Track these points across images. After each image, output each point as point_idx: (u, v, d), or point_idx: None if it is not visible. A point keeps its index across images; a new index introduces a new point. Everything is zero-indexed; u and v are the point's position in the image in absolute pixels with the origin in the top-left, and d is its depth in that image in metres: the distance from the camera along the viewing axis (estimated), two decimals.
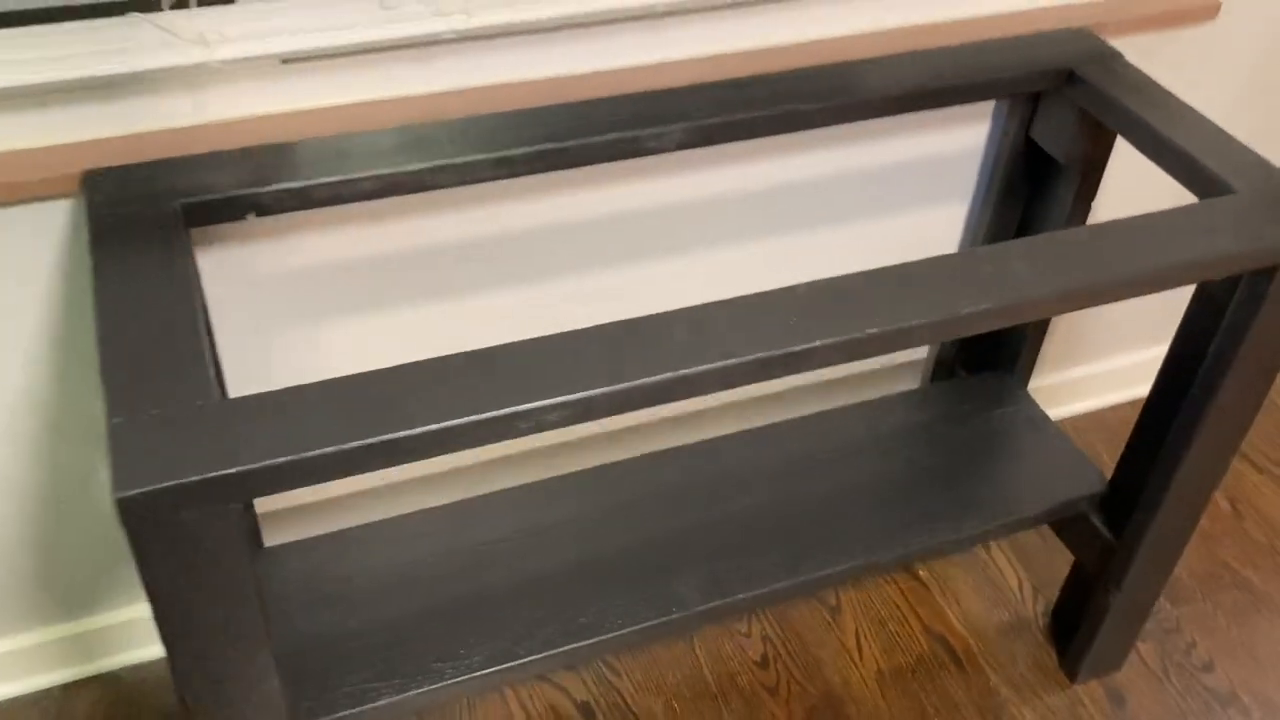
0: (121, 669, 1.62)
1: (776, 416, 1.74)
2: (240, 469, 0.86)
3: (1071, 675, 1.66)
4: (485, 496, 1.48)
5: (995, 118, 1.54)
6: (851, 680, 1.65)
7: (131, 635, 1.60)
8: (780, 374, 1.00)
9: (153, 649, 1.62)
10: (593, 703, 1.61)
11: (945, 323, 1.04)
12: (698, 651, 1.68)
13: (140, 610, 1.59)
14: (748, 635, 1.70)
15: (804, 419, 1.62)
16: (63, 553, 1.48)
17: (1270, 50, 1.68)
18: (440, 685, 1.27)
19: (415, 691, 1.26)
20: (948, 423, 1.64)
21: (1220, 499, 1.94)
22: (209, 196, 1.12)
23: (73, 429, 1.35)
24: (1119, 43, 1.50)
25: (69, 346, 1.28)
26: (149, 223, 1.09)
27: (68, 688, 1.59)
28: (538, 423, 0.94)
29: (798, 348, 1.00)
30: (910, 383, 1.87)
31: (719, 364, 0.98)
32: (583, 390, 0.94)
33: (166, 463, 0.86)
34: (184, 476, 0.85)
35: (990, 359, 1.73)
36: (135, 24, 1.09)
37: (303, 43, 1.15)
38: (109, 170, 1.14)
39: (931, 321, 1.04)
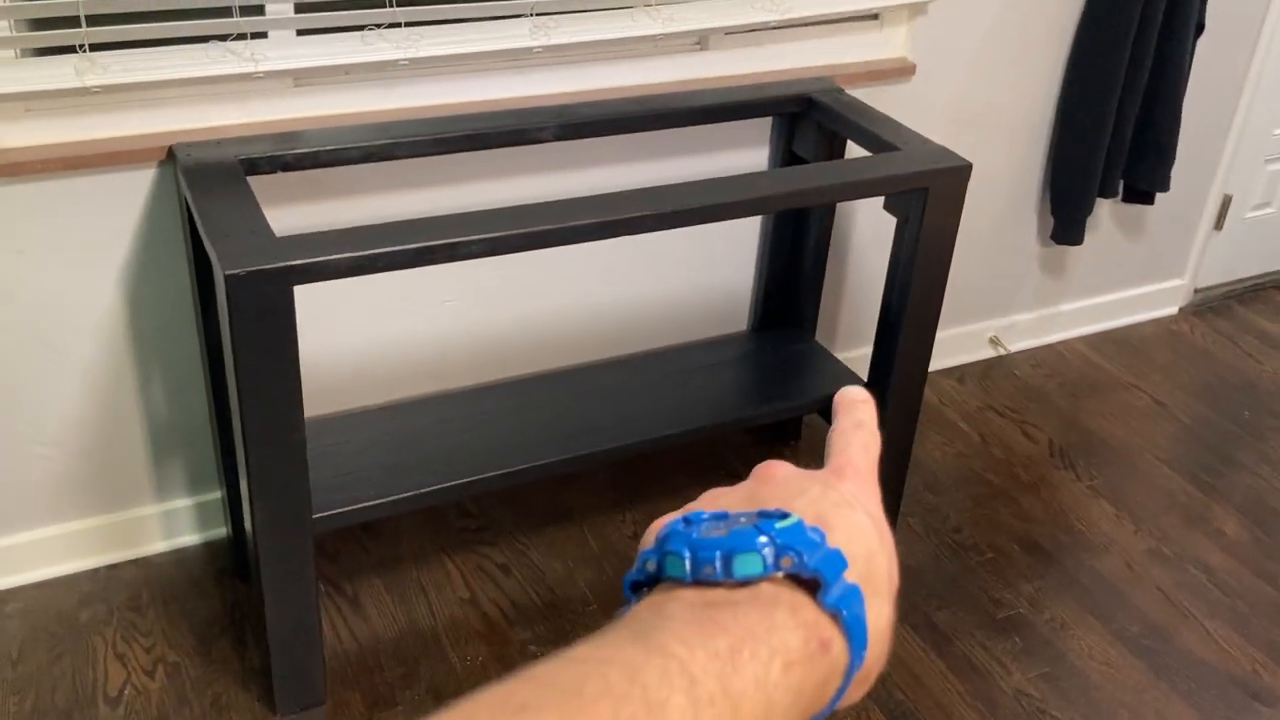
0: (155, 554, 2.16)
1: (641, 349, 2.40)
2: (292, 262, 1.50)
3: None
4: (435, 396, 2.11)
5: (770, 140, 2.28)
6: None
7: (164, 526, 2.15)
8: (613, 234, 1.67)
9: (182, 539, 2.17)
10: (509, 564, 2.19)
11: (720, 206, 1.73)
12: (586, 533, 2.28)
13: (171, 505, 2.14)
14: (624, 522, 2.31)
15: (659, 351, 2.29)
16: (113, 452, 2.05)
17: (953, 94, 2.47)
18: (398, 497, 1.86)
19: (384, 499, 1.85)
20: (759, 354, 2.32)
21: (973, 433, 2.63)
22: (254, 156, 1.78)
23: (143, 340, 1.95)
24: (855, 91, 2.27)
25: (146, 272, 1.90)
26: (220, 170, 1.75)
27: (112, 567, 2.13)
28: (463, 251, 1.59)
29: (623, 216, 1.68)
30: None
31: (568, 224, 1.65)
32: (493, 233, 1.61)
33: (254, 259, 1.49)
34: (262, 265, 1.49)
35: (790, 318, 2.42)
36: (211, 48, 1.77)
37: (304, 64, 1.84)
38: (190, 144, 1.80)
39: (717, 204, 1.72)
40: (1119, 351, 2.99)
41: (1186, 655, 2.08)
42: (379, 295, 2.11)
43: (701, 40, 2.17)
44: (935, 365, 2.82)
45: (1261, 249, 3.20)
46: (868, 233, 2.53)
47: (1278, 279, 3.32)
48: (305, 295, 2.04)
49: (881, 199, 2.22)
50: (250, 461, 1.62)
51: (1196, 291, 3.17)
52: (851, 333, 2.67)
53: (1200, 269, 3.13)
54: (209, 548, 2.18)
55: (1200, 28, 2.56)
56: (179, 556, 2.16)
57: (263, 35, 1.83)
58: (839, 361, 2.29)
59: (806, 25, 2.24)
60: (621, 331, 2.37)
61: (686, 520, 0.42)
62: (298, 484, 1.67)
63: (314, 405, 2.16)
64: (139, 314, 1.94)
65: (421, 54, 1.88)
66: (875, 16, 2.32)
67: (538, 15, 1.98)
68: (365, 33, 1.87)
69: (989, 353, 2.91)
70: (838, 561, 0.41)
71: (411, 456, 1.95)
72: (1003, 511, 2.40)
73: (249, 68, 1.80)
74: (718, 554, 0.40)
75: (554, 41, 1.97)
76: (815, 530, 0.41)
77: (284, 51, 1.82)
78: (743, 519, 0.42)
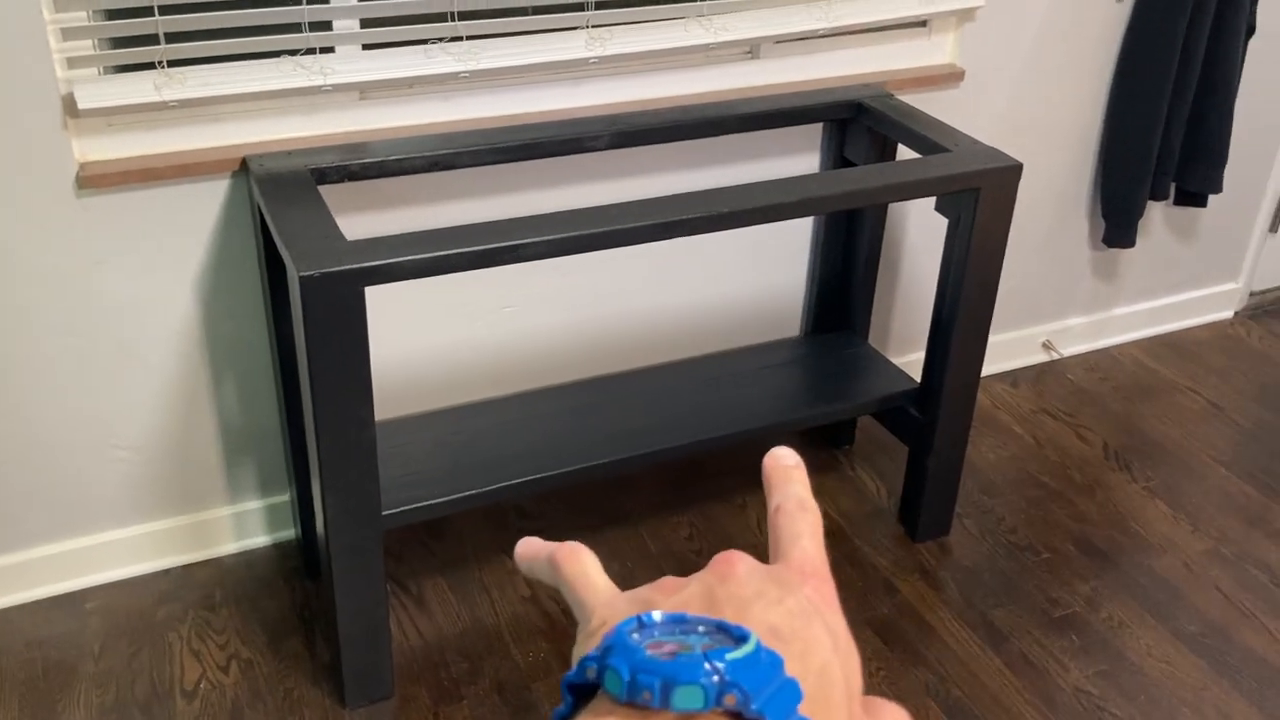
0: (227, 554, 2.23)
1: (695, 354, 2.44)
2: (363, 264, 1.56)
3: (913, 537, 2.31)
4: (496, 399, 2.16)
5: (821, 146, 2.32)
6: (756, 546, 2.29)
7: (236, 527, 2.22)
8: (667, 235, 1.72)
9: (253, 540, 2.24)
10: None
11: (772, 207, 1.77)
12: (644, 535, 2.31)
13: (242, 506, 2.21)
14: (679, 524, 2.34)
15: (713, 354, 2.33)
16: (187, 456, 2.12)
17: (1002, 99, 2.50)
18: (462, 495, 1.91)
19: (450, 497, 1.90)
20: (811, 358, 2.35)
21: (1027, 436, 2.64)
22: (323, 166, 1.85)
23: (217, 346, 2.03)
24: (905, 96, 2.30)
25: (220, 281, 1.98)
26: (291, 179, 1.81)
27: (187, 567, 2.20)
28: (526, 253, 1.65)
29: (677, 217, 1.72)
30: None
31: (624, 225, 1.70)
32: (552, 235, 1.66)
33: (326, 261, 1.56)
34: (335, 267, 1.55)
35: (842, 323, 2.45)
36: (282, 63, 1.85)
37: (370, 77, 1.91)
38: (263, 155, 1.88)
39: (769, 205, 1.77)
40: (1173, 355, 2.98)
41: (1249, 654, 2.07)
42: (441, 303, 2.17)
43: (752, 49, 2.22)
44: (989, 369, 2.84)
45: None
46: (920, 237, 2.56)
47: None
48: (371, 303, 2.10)
49: (933, 201, 2.26)
50: (322, 458, 1.68)
51: (1252, 295, 3.16)
52: (904, 337, 2.69)
53: (1255, 272, 3.11)
54: (278, 548, 2.25)
55: (1251, 29, 2.56)
56: (250, 557, 2.23)
57: (330, 50, 1.90)
58: (892, 364, 2.31)
59: (856, 33, 2.28)
60: (675, 336, 2.41)
61: (640, 622, 0.40)
62: (368, 480, 1.72)
63: (378, 410, 2.22)
64: (213, 321, 2.01)
65: (482, 66, 1.95)
66: (924, 24, 2.35)
67: (593, 27, 2.03)
68: (428, 47, 1.94)
69: (1042, 357, 2.92)
70: (788, 698, 0.38)
71: (473, 458, 2.00)
72: (1058, 513, 2.41)
73: (317, 81, 1.87)
74: (658, 681, 0.37)
75: (609, 52, 2.03)
76: (770, 656, 0.38)
77: (350, 65, 1.90)
78: (700, 629, 0.40)
